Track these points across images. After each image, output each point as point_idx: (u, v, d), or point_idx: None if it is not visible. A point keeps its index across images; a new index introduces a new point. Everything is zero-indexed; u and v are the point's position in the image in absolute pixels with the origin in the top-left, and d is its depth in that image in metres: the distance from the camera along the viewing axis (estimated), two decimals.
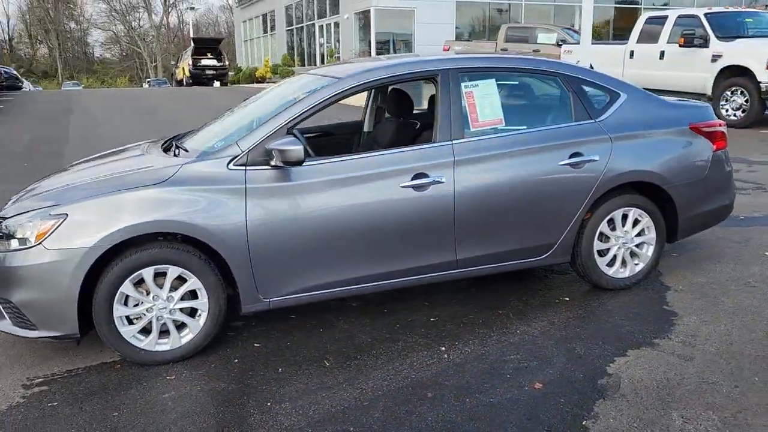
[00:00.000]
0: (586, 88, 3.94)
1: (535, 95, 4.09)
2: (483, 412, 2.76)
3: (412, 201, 3.48)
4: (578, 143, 3.79)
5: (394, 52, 25.09)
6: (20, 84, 30.01)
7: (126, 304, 3.17)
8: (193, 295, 3.27)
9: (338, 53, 25.79)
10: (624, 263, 4.06)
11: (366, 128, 4.96)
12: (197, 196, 3.17)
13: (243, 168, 3.26)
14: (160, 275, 3.19)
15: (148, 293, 3.19)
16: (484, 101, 3.73)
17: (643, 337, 3.40)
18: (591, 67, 8.19)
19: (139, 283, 3.17)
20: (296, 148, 3.18)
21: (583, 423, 2.66)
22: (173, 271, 3.19)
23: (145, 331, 3.24)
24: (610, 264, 4.03)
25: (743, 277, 4.22)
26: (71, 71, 64.55)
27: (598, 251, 3.97)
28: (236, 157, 3.28)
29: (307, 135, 4.82)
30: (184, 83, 30.21)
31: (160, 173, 3.24)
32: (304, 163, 3.30)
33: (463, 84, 3.68)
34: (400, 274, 3.58)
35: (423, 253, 3.57)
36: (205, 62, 28.28)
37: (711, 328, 3.49)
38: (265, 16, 34.66)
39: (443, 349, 3.35)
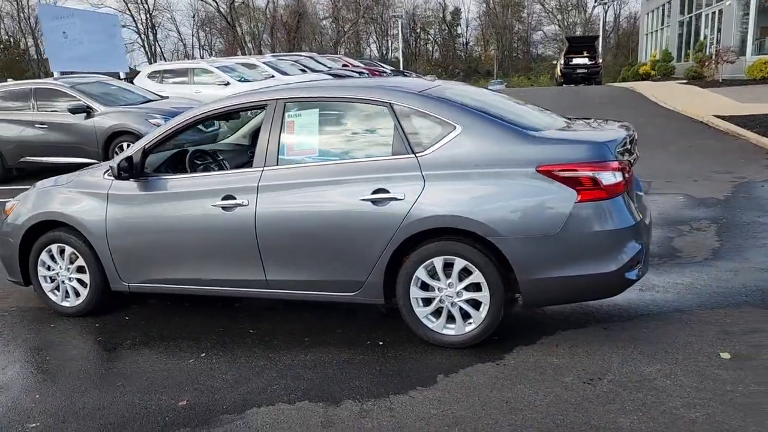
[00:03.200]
0: (416, 119, 3.53)
1: (358, 126, 3.79)
2: (96, 405, 3.21)
3: (221, 219, 3.86)
4: (386, 179, 3.49)
5: None
6: None
7: (48, 269, 4.48)
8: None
9: (715, 45, 22.44)
10: (451, 319, 3.52)
11: None
12: (79, 196, 4.26)
13: (112, 178, 4.19)
14: (63, 252, 4.40)
15: (58, 263, 4.44)
16: (302, 131, 3.79)
17: (341, 395, 3.12)
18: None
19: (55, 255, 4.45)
20: (113, 166, 3.98)
21: None
22: (68, 250, 4.36)
23: (59, 289, 4.50)
24: (436, 316, 3.56)
25: (649, 375, 3.14)
26: (506, 70, 70.18)
27: (423, 300, 3.56)
28: (109, 169, 4.23)
29: None
30: (556, 82, 30.48)
31: (71, 176, 4.43)
32: (149, 178, 4.09)
33: (287, 114, 3.81)
34: (224, 284, 4.01)
35: (237, 268, 3.91)
36: (576, 60, 28.12)
37: (442, 410, 2.92)
38: (664, 6, 32.12)
39: (203, 355, 3.71)
